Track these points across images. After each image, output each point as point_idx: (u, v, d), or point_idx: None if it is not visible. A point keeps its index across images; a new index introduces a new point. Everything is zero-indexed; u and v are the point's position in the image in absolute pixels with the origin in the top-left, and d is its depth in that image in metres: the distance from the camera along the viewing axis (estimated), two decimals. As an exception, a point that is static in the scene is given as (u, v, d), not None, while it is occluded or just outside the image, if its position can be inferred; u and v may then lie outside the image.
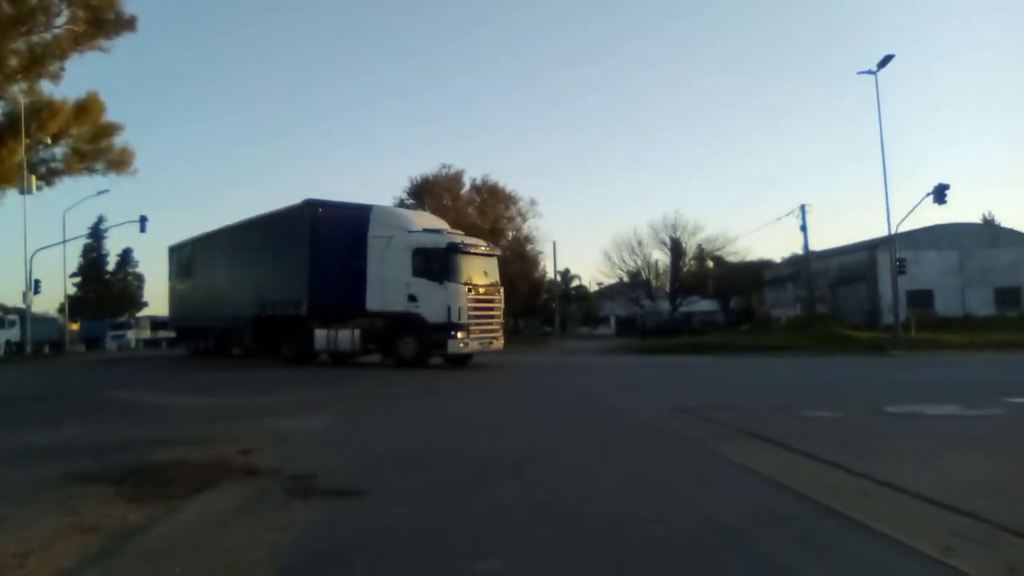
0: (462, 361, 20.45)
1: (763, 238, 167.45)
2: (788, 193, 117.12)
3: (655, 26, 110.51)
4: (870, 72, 29.69)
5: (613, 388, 14.81)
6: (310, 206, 21.66)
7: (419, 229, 20.84)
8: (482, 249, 21.18)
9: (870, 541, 4.00)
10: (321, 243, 21.45)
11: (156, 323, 56.96)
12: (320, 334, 21.64)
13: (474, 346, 19.86)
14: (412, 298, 19.69)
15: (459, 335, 19.37)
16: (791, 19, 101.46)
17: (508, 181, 67.74)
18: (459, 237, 21.01)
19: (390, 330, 20.25)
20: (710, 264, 60.30)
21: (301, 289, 21.63)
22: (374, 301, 20.48)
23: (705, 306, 59.81)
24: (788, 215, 56.69)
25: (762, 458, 6.29)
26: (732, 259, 57.93)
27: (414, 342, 19.86)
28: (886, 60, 29.38)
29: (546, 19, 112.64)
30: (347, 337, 21.08)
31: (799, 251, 46.80)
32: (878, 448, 6.81)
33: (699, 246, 57.61)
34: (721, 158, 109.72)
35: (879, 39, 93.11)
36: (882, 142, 33.15)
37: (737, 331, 44.06)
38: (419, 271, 19.69)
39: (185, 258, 31.08)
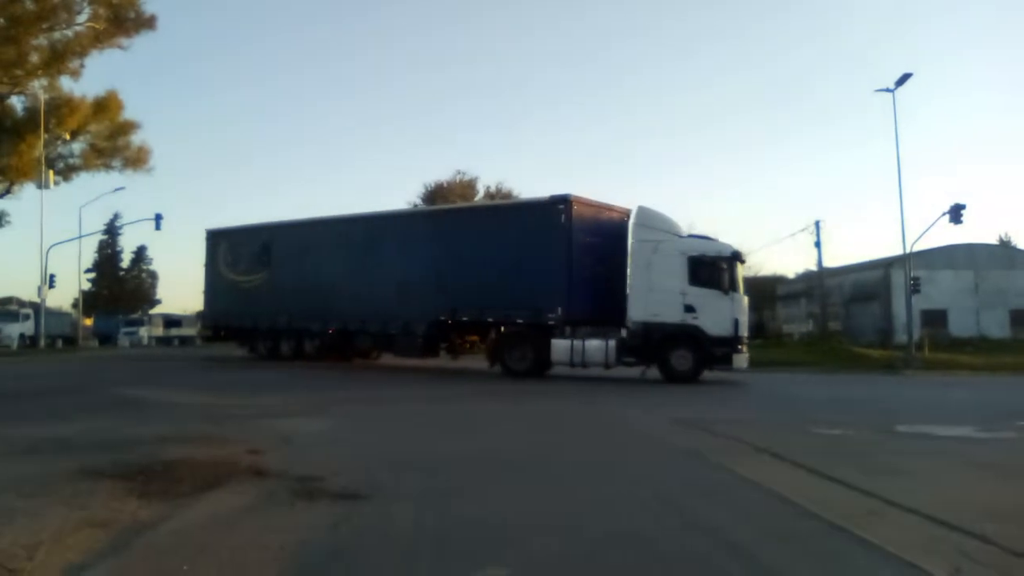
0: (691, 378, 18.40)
1: (776, 253, 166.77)
2: (803, 209, 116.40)
3: (673, 37, 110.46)
4: (887, 90, 29.57)
5: (619, 401, 14.76)
6: (567, 201, 19.18)
7: (685, 234, 19.59)
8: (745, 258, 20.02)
9: (878, 561, 3.97)
10: (575, 243, 19.23)
11: (169, 320, 57.34)
12: (561, 345, 19.11)
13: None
14: (689, 308, 18.22)
15: (744, 349, 18.52)
16: (809, 35, 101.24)
17: (523, 188, 67.70)
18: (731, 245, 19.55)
19: (660, 342, 18.46)
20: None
21: (551, 294, 19.16)
22: (638, 310, 18.69)
23: (716, 320, 59.60)
24: (802, 231, 56.41)
25: (769, 474, 6.25)
26: (745, 273, 57.77)
27: (690, 356, 18.32)
28: (904, 78, 29.25)
29: (563, 23, 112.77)
30: (598, 348, 18.88)
31: (813, 267, 46.59)
32: (887, 467, 6.76)
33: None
34: (736, 172, 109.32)
35: (897, 56, 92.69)
36: (898, 160, 33.42)
37: (749, 346, 43.80)
38: (698, 280, 18.31)
39: (249, 246, 26.84)
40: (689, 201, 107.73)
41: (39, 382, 17.10)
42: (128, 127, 41.55)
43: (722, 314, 18.17)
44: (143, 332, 53.35)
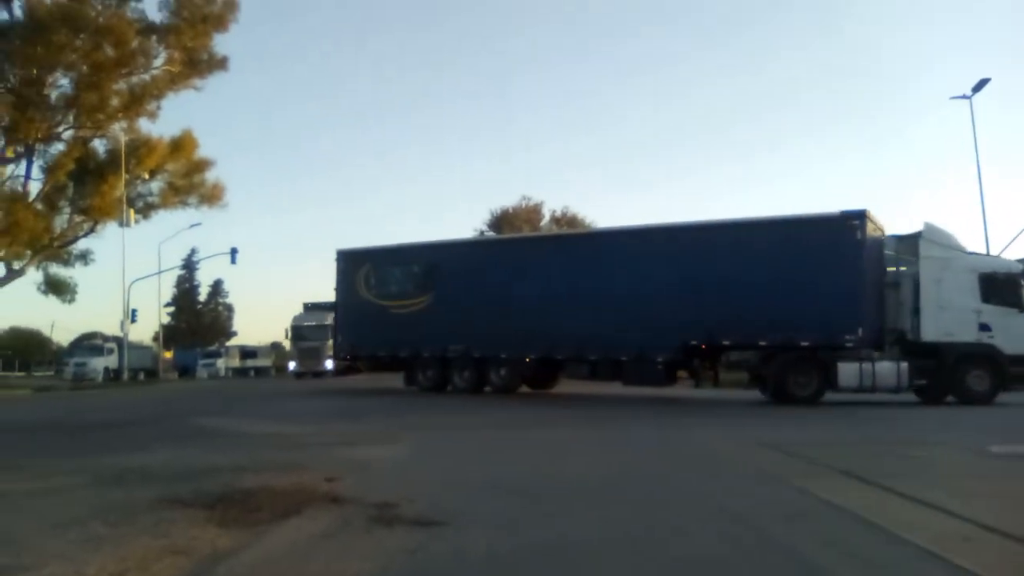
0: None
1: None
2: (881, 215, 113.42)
3: (735, 52, 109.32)
4: (964, 97, 28.75)
5: (695, 420, 14.49)
6: (863, 216, 18.21)
7: (968, 250, 19.30)
8: None
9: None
10: (865, 261, 18.41)
11: (245, 352, 58.84)
12: (849, 369, 18.08)
13: None
14: (984, 327, 17.84)
15: None
16: (880, 41, 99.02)
17: (588, 212, 67.55)
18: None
19: (954, 363, 17.86)
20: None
21: (847, 314, 18.06)
22: (930, 330, 18.08)
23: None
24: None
25: (853, 497, 5.98)
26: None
27: (987, 377, 17.82)
28: (981, 84, 28.41)
29: (626, 50, 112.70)
30: (890, 371, 17.99)
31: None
32: (980, 490, 6.41)
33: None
34: (810, 180, 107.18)
35: (972, 62, 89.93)
36: (978, 167, 31.74)
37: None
38: (991, 297, 17.93)
39: (404, 268, 24.39)
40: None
41: (123, 414, 17.64)
42: (203, 165, 42.96)
43: (1018, 333, 17.61)
44: (220, 364, 54.84)
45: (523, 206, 56.80)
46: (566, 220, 57.25)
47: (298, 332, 44.81)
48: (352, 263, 25.18)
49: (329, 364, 42.46)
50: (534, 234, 23.69)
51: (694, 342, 19.58)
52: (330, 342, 40.66)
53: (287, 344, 48.82)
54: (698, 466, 8.31)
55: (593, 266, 21.21)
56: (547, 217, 57.95)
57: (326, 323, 41.69)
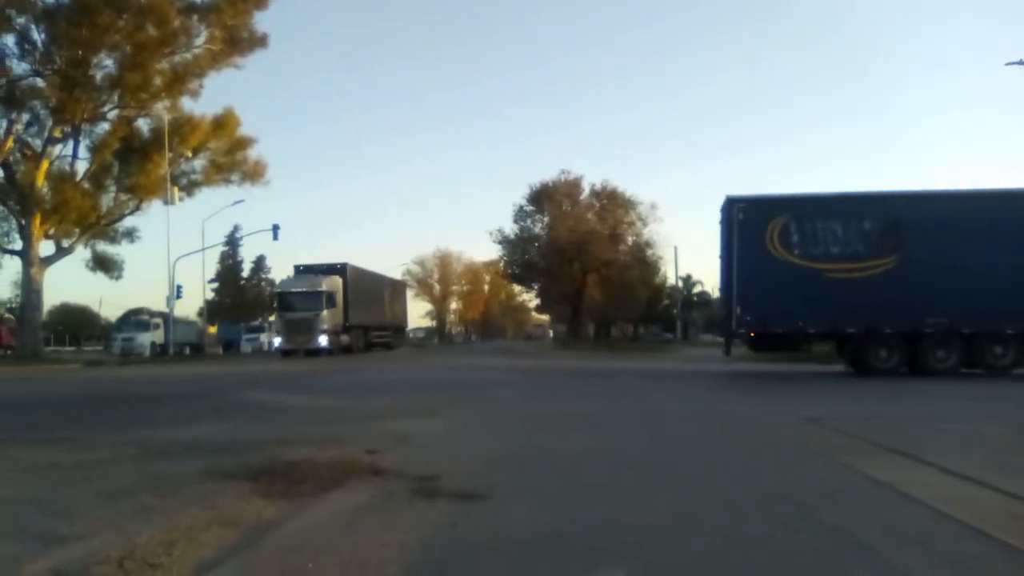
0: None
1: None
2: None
3: (783, 26, 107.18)
4: (1021, 63, 27.73)
5: (738, 396, 14.40)
6: None
7: None
8: None
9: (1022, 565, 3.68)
10: None
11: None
12: None
13: None
14: None
15: None
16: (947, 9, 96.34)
17: (628, 185, 67.09)
18: None
19: None
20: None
21: None
22: None
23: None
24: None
25: (899, 473, 5.89)
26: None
27: None
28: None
29: (665, 22, 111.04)
30: None
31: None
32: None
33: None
34: (864, 154, 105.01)
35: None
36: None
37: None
38: None
39: (851, 222, 19.72)
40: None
41: (169, 388, 18.00)
42: (245, 142, 43.40)
43: None
44: (264, 338, 55.61)
45: (562, 180, 56.53)
46: (606, 194, 56.89)
47: (286, 300, 39.80)
48: (759, 213, 20.16)
49: (323, 340, 38.22)
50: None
51: None
52: (325, 312, 38.59)
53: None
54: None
55: None
56: (587, 191, 57.63)
57: (320, 289, 39.12)
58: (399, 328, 57.23)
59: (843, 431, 8.50)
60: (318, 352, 37.60)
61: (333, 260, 42.88)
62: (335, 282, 40.70)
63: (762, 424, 9.60)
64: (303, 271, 42.47)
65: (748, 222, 19.94)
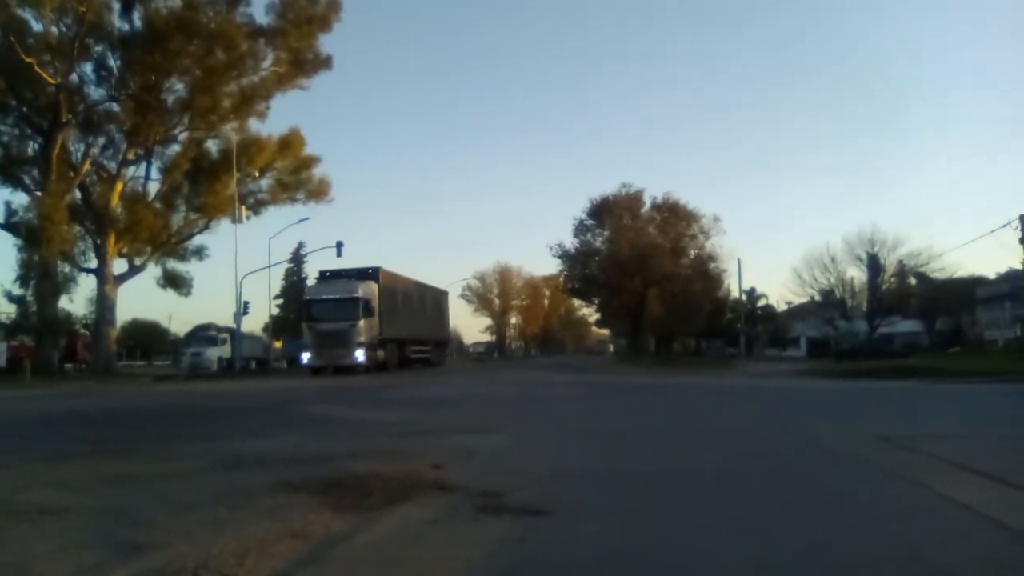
0: None
1: (973, 253, 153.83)
2: (1002, 203, 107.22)
3: (838, 33, 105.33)
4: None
5: (808, 413, 14.04)
6: None
7: None
8: None
9: None
10: None
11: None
12: None
13: None
14: None
15: None
16: (987, 19, 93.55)
17: (690, 198, 66.41)
18: None
19: None
20: (912, 281, 56.27)
21: None
22: None
23: (907, 327, 55.70)
24: (1004, 227, 51.60)
25: (976, 494, 5.65)
26: (938, 275, 53.59)
27: None
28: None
29: (725, 35, 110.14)
30: None
31: (1017, 267, 42.62)
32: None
33: (900, 262, 53.34)
34: (922, 167, 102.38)
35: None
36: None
37: (945, 354, 40.83)
38: None
39: None
40: (872, 202, 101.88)
41: (237, 401, 18.37)
42: (310, 161, 44.46)
43: None
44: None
45: (623, 194, 56.37)
46: (667, 207, 56.50)
47: (315, 309, 34.54)
48: None
49: (360, 355, 32.89)
50: None
51: None
52: (362, 323, 33.25)
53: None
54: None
55: None
56: (648, 204, 57.32)
57: (356, 295, 33.79)
58: (440, 342, 51.83)
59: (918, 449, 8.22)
60: (352, 369, 32.94)
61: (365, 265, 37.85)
62: (371, 288, 35.54)
63: (832, 443, 9.35)
64: (330, 276, 37.52)
65: None
